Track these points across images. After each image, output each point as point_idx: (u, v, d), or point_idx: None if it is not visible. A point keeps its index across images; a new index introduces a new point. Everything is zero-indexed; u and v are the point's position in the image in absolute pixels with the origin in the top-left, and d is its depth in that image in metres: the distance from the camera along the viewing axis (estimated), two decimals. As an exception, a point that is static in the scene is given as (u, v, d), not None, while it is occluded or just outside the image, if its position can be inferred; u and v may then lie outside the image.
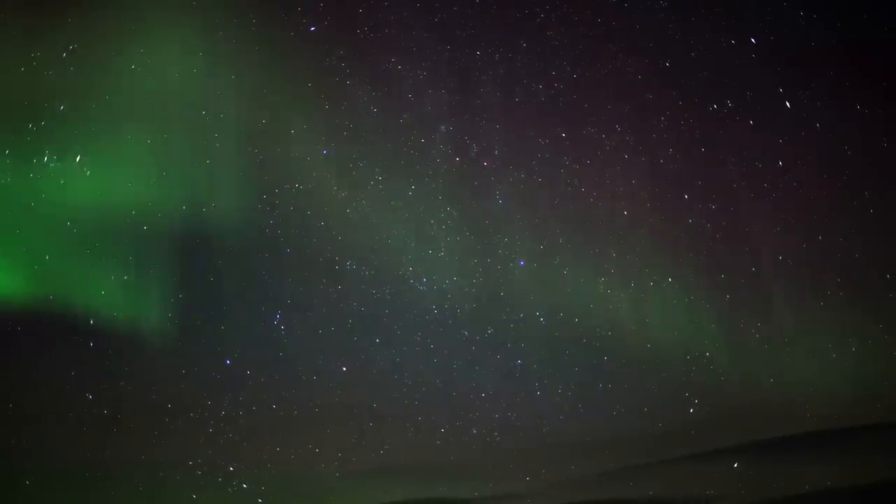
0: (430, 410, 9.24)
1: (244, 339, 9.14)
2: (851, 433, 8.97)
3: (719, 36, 9.34)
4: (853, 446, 8.89)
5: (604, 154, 9.46)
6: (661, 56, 9.42)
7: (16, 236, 8.85)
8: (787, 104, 9.27)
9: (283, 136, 9.19)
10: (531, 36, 9.50)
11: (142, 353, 8.89)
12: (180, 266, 9.11)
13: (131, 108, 8.90)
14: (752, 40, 9.30)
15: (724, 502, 8.88)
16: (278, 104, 9.17)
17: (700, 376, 9.31)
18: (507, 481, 9.14)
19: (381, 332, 9.29)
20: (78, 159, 8.82)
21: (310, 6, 9.18)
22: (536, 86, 9.50)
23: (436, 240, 9.38)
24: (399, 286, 9.33)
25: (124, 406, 8.79)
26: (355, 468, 9.06)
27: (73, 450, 8.69)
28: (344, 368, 9.22)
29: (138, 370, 8.87)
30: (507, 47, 9.46)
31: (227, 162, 9.12)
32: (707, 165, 9.43)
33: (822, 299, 9.20)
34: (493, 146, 9.50)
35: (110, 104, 8.83)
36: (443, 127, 9.45)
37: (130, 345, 8.88)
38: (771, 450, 9.08)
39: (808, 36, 9.31)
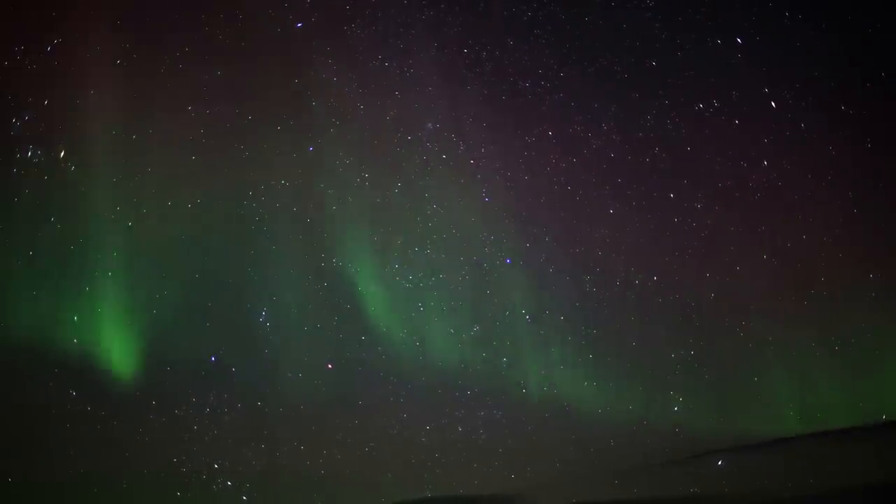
0: (415, 408, 9.23)
1: (229, 336, 9.13)
2: (834, 434, 8.98)
3: (705, 36, 9.42)
4: (836, 446, 8.90)
5: (590, 152, 9.52)
6: (647, 55, 9.48)
7: (-1, 232, 8.83)
8: (773, 104, 9.33)
9: (270, 132, 9.19)
10: (518, 34, 9.56)
11: (125, 349, 8.86)
12: (165, 262, 9.09)
13: (115, 104, 8.87)
14: (738, 40, 9.36)
15: (708, 500, 8.87)
16: (265, 100, 9.17)
17: (685, 374, 9.34)
18: (491, 479, 9.12)
19: (366, 329, 9.29)
20: (62, 155, 8.80)
21: (297, 3, 9.20)
22: (523, 84, 9.56)
23: (422, 237, 9.40)
24: (385, 283, 9.35)
25: (108, 403, 8.74)
26: (340, 466, 9.03)
27: (56, 446, 8.63)
28: (329, 366, 9.22)
29: (121, 366, 8.82)
30: (494, 45, 9.52)
31: (213, 158, 9.10)
32: (693, 164, 9.48)
33: (807, 297, 9.23)
34: (480, 144, 9.56)
35: (94, 99, 8.81)
36: (429, 124, 9.48)
37: (114, 341, 8.85)
38: (755, 449, 9.08)
39: (794, 36, 9.37)
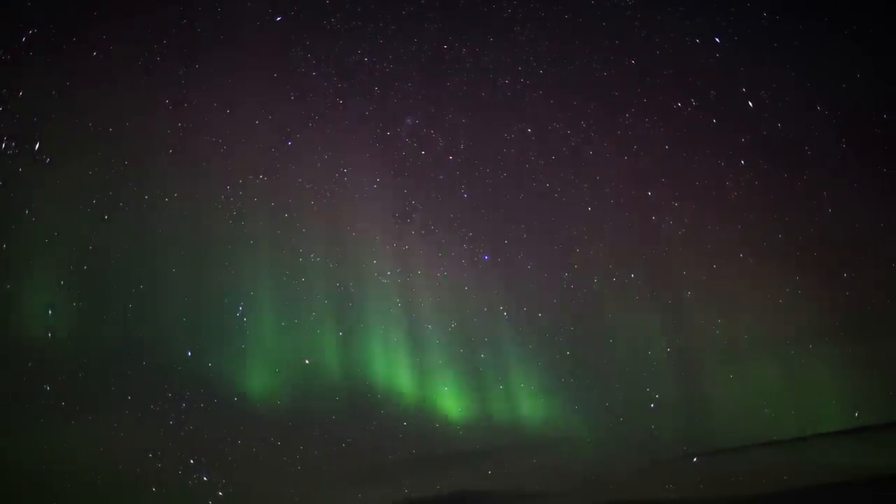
0: (393, 405, 9.22)
1: (206, 331, 9.09)
2: (814, 434, 9.04)
3: (684, 35, 9.44)
4: (816, 446, 8.96)
5: (569, 150, 9.55)
6: (626, 54, 9.52)
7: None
8: (750, 104, 9.39)
9: (248, 126, 9.18)
10: (499, 31, 9.60)
11: (101, 344, 8.79)
12: (141, 256, 9.02)
13: (92, 97, 8.80)
14: (717, 40, 9.41)
15: (685, 500, 8.92)
16: (243, 94, 9.15)
17: (662, 371, 9.37)
18: (470, 476, 9.13)
19: (344, 325, 9.28)
20: (37, 147, 8.72)
21: (276, -4, 9.18)
22: (503, 81, 9.58)
23: (400, 233, 9.41)
24: (363, 279, 9.34)
25: (82, 398, 8.66)
26: (317, 462, 9.01)
27: (29, 443, 8.52)
28: (307, 361, 9.19)
29: (96, 361, 8.75)
30: (474, 42, 9.53)
31: (190, 152, 9.06)
32: (670, 163, 9.51)
33: (782, 297, 9.29)
34: (459, 140, 9.57)
35: (70, 92, 8.73)
36: (409, 120, 9.51)
37: (89, 335, 8.78)
38: (731, 448, 9.12)
39: (771, 37, 9.43)
